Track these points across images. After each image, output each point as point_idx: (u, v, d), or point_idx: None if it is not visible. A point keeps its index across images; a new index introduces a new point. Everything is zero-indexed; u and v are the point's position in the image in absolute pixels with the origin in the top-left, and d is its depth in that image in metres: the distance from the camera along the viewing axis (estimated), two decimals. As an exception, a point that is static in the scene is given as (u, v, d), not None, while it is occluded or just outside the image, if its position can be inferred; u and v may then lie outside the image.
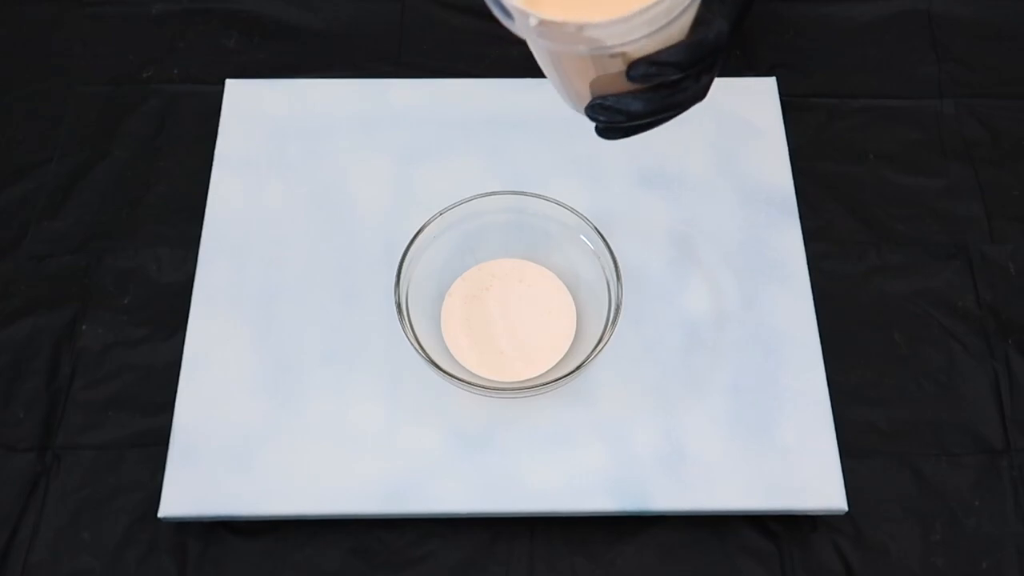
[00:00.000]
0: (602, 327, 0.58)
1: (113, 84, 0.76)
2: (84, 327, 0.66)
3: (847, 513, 0.58)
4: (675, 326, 0.62)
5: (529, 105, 0.70)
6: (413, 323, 0.58)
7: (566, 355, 0.60)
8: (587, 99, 0.45)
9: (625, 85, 0.42)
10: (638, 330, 0.62)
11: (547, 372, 0.60)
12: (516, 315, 0.62)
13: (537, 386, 0.56)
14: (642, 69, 0.41)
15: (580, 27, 0.38)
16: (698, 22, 0.42)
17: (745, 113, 0.70)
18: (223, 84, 0.71)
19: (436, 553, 0.59)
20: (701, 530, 0.60)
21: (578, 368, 0.56)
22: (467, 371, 0.60)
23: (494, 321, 0.62)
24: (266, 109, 0.70)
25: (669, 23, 0.39)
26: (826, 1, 0.81)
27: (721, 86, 0.71)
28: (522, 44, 0.43)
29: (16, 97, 0.76)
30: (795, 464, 0.58)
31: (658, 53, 0.41)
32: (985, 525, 0.60)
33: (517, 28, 0.39)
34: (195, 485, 0.57)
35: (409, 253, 0.59)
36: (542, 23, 0.38)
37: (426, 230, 0.60)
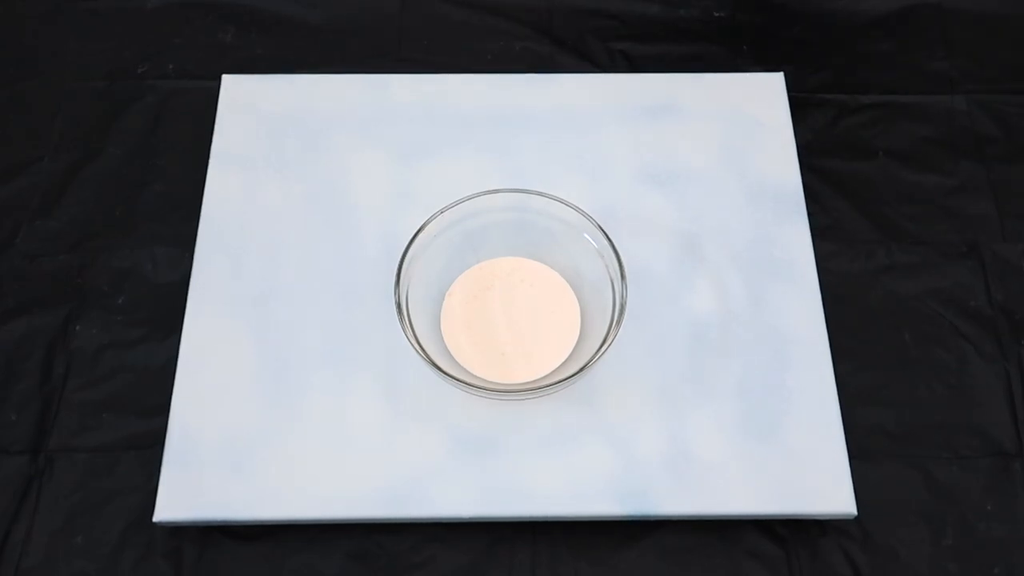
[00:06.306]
0: (606, 327, 0.57)
1: (108, 80, 0.76)
2: (78, 327, 0.65)
3: (856, 517, 0.57)
4: (680, 326, 0.61)
5: (532, 101, 0.69)
6: (413, 323, 0.57)
7: (569, 356, 0.60)
8: None
9: None
10: (643, 330, 0.61)
11: (550, 374, 0.59)
12: (518, 315, 0.61)
13: (540, 388, 0.56)
14: None
15: None
16: None
17: (752, 109, 0.69)
18: (220, 80, 0.71)
19: (437, 558, 0.58)
20: (707, 534, 0.59)
21: (582, 369, 0.55)
22: (468, 372, 0.59)
23: (496, 321, 0.61)
24: (264, 105, 0.69)
25: None
26: (834, -5, 0.80)
27: (728, 82, 0.71)
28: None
29: (9, 93, 0.75)
30: (803, 467, 0.57)
31: None
32: (997, 529, 0.59)
33: None
34: (191, 489, 0.56)
35: (409, 252, 0.58)
36: None
37: (426, 228, 0.59)
